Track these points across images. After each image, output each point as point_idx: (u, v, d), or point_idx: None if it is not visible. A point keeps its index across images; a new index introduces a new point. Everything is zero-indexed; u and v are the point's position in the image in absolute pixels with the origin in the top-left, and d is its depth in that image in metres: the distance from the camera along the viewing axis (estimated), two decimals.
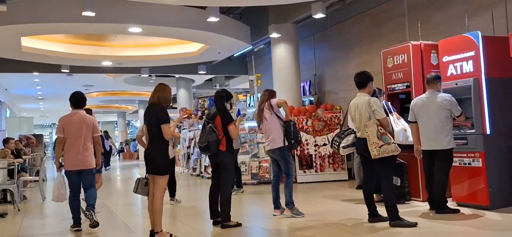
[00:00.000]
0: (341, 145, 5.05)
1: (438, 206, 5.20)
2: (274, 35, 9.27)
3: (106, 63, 11.87)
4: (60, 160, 5.32)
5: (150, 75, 16.31)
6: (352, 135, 5.03)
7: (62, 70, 12.01)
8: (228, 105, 5.29)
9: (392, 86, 6.32)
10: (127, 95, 22.56)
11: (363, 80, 4.90)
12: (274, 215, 5.62)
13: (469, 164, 5.32)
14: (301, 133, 9.10)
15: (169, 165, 4.76)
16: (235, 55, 12.65)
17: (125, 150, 28.91)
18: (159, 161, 4.62)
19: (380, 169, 4.72)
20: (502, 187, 5.25)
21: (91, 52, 10.97)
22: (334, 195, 7.18)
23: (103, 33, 8.71)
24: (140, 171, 15.21)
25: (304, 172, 8.95)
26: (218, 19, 7.88)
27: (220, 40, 9.58)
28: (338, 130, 5.40)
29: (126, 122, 36.65)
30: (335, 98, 10.00)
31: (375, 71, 8.75)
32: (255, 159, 9.22)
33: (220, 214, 5.16)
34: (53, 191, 5.43)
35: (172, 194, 7.22)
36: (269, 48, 12.64)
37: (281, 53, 9.65)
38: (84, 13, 6.82)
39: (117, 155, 29.58)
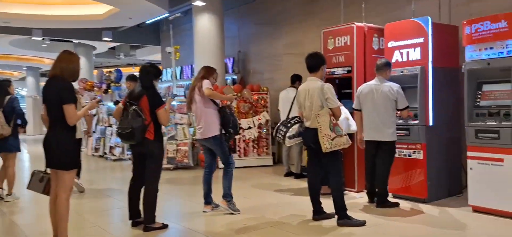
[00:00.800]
0: (287, 135, 4.48)
1: (379, 199, 4.95)
2: (198, 3, 8.33)
3: None
4: None
5: (43, 39, 14.10)
6: (298, 124, 4.48)
7: None
8: (156, 84, 4.36)
9: (332, 70, 5.90)
10: (13, 59, 19.52)
11: (315, 62, 4.34)
12: (205, 211, 4.89)
13: (409, 155, 5.14)
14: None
15: (76, 157, 3.74)
16: (147, 22, 11.35)
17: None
18: (63, 152, 3.58)
19: (330, 163, 4.25)
20: (439, 180, 5.18)
21: None
22: (265, 183, 6.66)
23: None
24: (27, 150, 13.18)
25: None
26: None
27: (133, 3, 8.34)
28: (284, 120, 4.76)
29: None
30: (260, 78, 9.44)
31: (307, 52, 8.35)
32: (172, 141, 8.30)
33: (144, 214, 4.28)
34: None
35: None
36: (187, 18, 11.61)
37: (204, 24, 8.75)
38: None
39: None
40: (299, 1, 8.47)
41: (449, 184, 5.31)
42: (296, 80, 7.09)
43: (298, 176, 6.96)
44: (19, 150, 5.82)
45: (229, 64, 9.99)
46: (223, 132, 4.76)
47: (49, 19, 10.00)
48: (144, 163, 4.24)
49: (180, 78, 11.81)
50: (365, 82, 5.55)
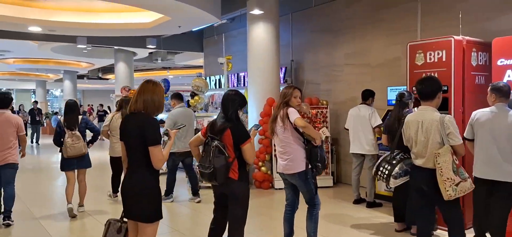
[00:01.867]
0: (393, 174, 3.81)
1: None
2: (256, 11, 7.73)
3: (34, 29, 9.46)
4: None
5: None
6: (403, 161, 3.81)
7: None
8: (241, 115, 3.78)
9: None
10: (52, 63, 19.53)
11: (430, 89, 3.64)
12: None
13: None
14: None
15: (160, 206, 3.21)
16: (193, 29, 10.85)
17: (45, 124, 25.49)
18: (147, 201, 3.07)
19: (452, 214, 3.55)
20: None
21: (14, 14, 8.56)
22: (335, 215, 6.00)
23: None
24: None
25: None
26: None
27: (186, 11, 7.82)
28: (386, 154, 4.08)
29: (47, 91, 32.68)
30: (316, 89, 8.78)
31: (371, 64, 7.68)
32: None
33: None
34: None
35: (115, 190, 6.64)
36: (234, 24, 11.08)
37: (259, 33, 8.15)
38: None
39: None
40: (364, 7, 7.77)
41: None
42: (369, 96, 6.40)
43: (370, 205, 6.28)
44: (91, 165, 6.09)
45: (281, 74, 9.37)
46: (310, 166, 4.14)
47: (94, 27, 9.64)
48: (226, 204, 3.67)
49: (221, 86, 11.27)
50: (462, 104, 4.86)
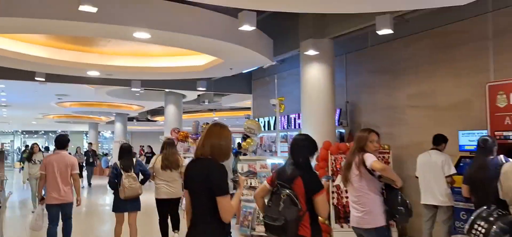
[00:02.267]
0: (491, 233, 3.30)
1: None
2: (311, 52, 7.53)
3: (93, 73, 9.77)
4: (42, 194, 5.99)
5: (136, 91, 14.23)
6: (504, 218, 3.30)
7: (36, 79, 9.79)
8: (312, 161, 3.46)
9: (507, 133, 4.67)
10: (105, 107, 20.25)
11: None
12: None
13: None
14: (340, 177, 7.37)
15: None
16: (243, 71, 10.81)
17: (95, 164, 26.25)
18: None
19: None
20: None
21: (74, 59, 8.88)
22: None
23: (100, 36, 6.74)
24: None
25: (341, 226, 7.19)
26: (253, 28, 6.06)
27: (240, 54, 7.75)
28: (481, 209, 3.59)
29: (99, 133, 33.93)
30: None
31: (439, 106, 7.19)
32: None
33: None
34: (31, 221, 6.15)
35: (176, 226, 6.62)
36: (284, 66, 10.95)
37: (314, 74, 7.90)
38: (81, 8, 4.83)
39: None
40: (425, 47, 7.36)
41: None
42: (441, 141, 5.89)
43: None
44: (140, 208, 6.12)
45: (336, 117, 9.01)
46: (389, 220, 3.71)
47: (148, 71, 9.81)
48: None
49: (272, 128, 11.02)
50: None
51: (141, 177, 6.07)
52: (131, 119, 27.34)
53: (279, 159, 7.52)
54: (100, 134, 39.14)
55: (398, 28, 7.38)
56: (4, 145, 34.34)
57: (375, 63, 8.40)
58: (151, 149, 22.31)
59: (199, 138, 2.96)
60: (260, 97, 12.33)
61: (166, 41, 7.01)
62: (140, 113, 25.46)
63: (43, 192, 6.02)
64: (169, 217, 6.57)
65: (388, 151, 7.48)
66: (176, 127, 12.58)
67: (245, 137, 7.95)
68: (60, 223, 5.95)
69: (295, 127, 10.12)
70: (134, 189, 5.73)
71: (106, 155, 26.26)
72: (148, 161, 18.38)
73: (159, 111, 26.50)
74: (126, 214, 5.99)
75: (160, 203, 6.40)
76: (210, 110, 24.78)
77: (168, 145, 6.44)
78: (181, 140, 11.41)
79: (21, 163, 16.07)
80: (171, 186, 6.30)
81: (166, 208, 6.43)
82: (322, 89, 7.88)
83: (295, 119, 10.24)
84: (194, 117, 25.40)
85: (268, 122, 11.29)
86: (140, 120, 30.08)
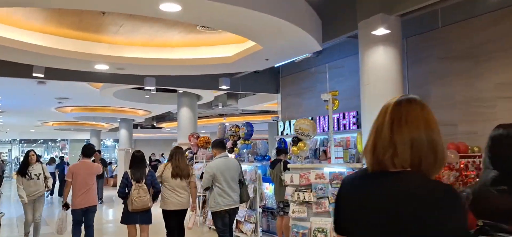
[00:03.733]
0: None
1: None
2: (380, 31, 6.01)
3: (101, 67, 8.21)
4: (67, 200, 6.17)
5: (150, 90, 12.69)
6: None
7: (34, 75, 8.20)
8: None
9: None
10: (109, 111, 18.71)
11: None
12: None
13: None
14: None
15: None
16: (279, 64, 9.30)
17: (106, 175, 24.57)
18: None
19: None
20: None
21: (79, 49, 7.34)
22: None
23: (115, 10, 5.21)
24: None
25: None
26: None
27: (286, 36, 6.23)
28: None
29: (101, 141, 32.37)
30: (450, 132, 6.78)
31: None
32: None
33: None
34: (57, 223, 6.30)
35: None
36: (320, 59, 9.48)
37: (379, 60, 6.38)
38: None
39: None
40: None
41: None
42: None
43: None
44: (152, 221, 5.85)
45: None
46: None
47: (166, 64, 8.26)
48: None
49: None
50: None
51: (152, 190, 5.77)
52: (135, 126, 25.80)
53: (340, 167, 5.96)
54: (102, 141, 37.58)
55: (468, 6, 5.87)
56: (2, 154, 32.75)
57: (449, 47, 6.88)
58: (155, 156, 20.68)
59: (376, 128, 1.42)
60: (290, 96, 10.80)
61: (199, 16, 5.47)
62: (146, 119, 23.91)
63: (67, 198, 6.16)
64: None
65: (479, 154, 5.94)
66: (194, 132, 11.03)
67: (295, 141, 6.42)
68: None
69: (339, 128, 8.60)
70: (143, 202, 5.48)
71: (110, 164, 24.66)
72: (154, 170, 16.70)
73: (165, 118, 25.02)
74: (138, 226, 5.74)
75: (169, 214, 6.00)
76: (221, 115, 23.25)
77: (178, 152, 6.12)
78: (202, 146, 9.89)
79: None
80: (180, 196, 5.92)
81: (175, 220, 6.07)
82: (390, 78, 6.35)
83: (338, 119, 8.72)
84: (203, 123, 23.89)
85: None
86: (145, 127, 28.57)
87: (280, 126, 10.39)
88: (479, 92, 6.40)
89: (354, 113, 8.46)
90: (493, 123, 5.83)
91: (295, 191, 6.02)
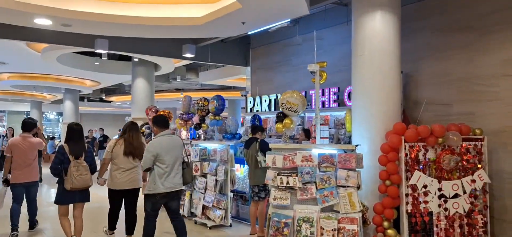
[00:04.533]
0: None
1: None
2: None
3: (42, 22, 6.78)
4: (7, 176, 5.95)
5: (100, 56, 11.26)
6: None
7: None
8: None
9: None
10: (52, 80, 16.82)
11: None
12: None
13: None
14: (419, 174, 5.16)
15: None
16: (257, 30, 8.28)
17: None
18: None
19: None
20: None
21: None
22: None
23: None
24: None
25: None
26: None
27: None
28: None
29: (43, 114, 29.80)
30: (444, 113, 6.19)
31: None
32: (329, 214, 4.98)
33: None
34: None
35: (131, 231, 5.68)
36: (296, 29, 8.63)
37: (376, 28, 5.61)
38: None
39: None
40: None
41: None
42: None
43: None
44: (90, 199, 5.41)
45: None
46: None
47: (123, 22, 6.99)
48: None
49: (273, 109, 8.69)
50: None
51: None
52: (81, 99, 23.80)
53: (331, 148, 5.15)
54: (44, 114, 34.78)
55: None
56: None
57: (447, 18, 6.23)
58: (103, 131, 18.94)
59: None
60: (262, 69, 9.87)
61: None
62: (94, 91, 22.04)
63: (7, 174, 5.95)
64: (125, 214, 5.69)
65: (481, 137, 5.36)
66: (152, 105, 9.83)
67: (280, 117, 5.52)
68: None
69: (322, 105, 7.81)
70: (84, 180, 5.10)
71: (52, 138, 22.62)
72: (101, 147, 15.27)
73: (115, 91, 23.22)
74: (70, 205, 5.32)
75: (116, 193, 5.55)
76: (178, 90, 21.89)
77: (131, 128, 5.62)
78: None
79: None
80: (131, 175, 5.48)
81: (121, 200, 5.65)
82: (387, 50, 5.60)
83: (311, 96, 7.93)
84: (158, 98, 22.40)
85: (275, 99, 8.90)
86: (93, 100, 26.57)
87: (250, 102, 9.47)
88: (480, 68, 5.80)
89: (334, 89, 7.71)
90: (494, 103, 5.15)
91: (278, 174, 5.18)
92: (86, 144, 5.36)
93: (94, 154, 14.49)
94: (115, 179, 5.46)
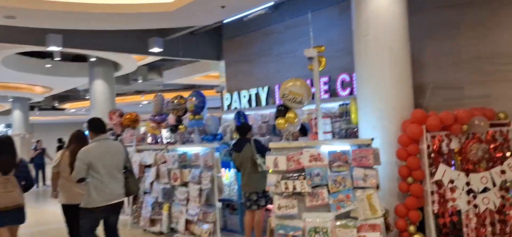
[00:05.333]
0: None
1: None
2: None
3: None
4: None
5: (51, 56, 9.94)
6: None
7: None
8: None
9: None
10: None
11: None
12: None
13: None
14: (445, 168, 4.48)
15: None
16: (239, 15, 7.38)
17: None
18: None
19: None
20: None
21: None
22: None
23: None
24: None
25: None
26: None
27: None
28: None
29: None
30: (454, 96, 5.57)
31: None
32: (346, 222, 4.18)
33: None
34: None
35: None
36: (275, 15, 7.86)
37: (381, 5, 4.89)
38: None
39: None
40: None
41: None
42: None
43: None
44: (25, 220, 4.92)
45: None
46: None
47: (79, 10, 5.87)
48: None
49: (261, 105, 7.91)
50: None
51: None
52: (32, 108, 21.91)
53: (343, 144, 4.37)
54: None
55: None
56: None
57: None
58: (60, 141, 17.29)
59: None
60: (238, 62, 8.97)
61: None
62: (46, 98, 20.25)
63: None
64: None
65: (507, 121, 4.76)
66: (116, 109, 8.70)
67: (281, 110, 4.65)
68: None
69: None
70: (12, 198, 4.69)
71: None
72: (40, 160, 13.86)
73: (68, 97, 21.55)
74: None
75: (68, 209, 5.15)
76: (138, 92, 20.51)
77: (77, 138, 5.22)
78: (128, 125, 7.71)
79: None
80: (80, 188, 4.90)
81: (77, 216, 4.98)
82: (398, 27, 4.91)
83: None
84: (117, 101, 20.90)
85: (256, 94, 8.08)
86: (45, 108, 24.60)
87: (227, 99, 8.57)
88: (495, 46, 5.23)
89: (325, 79, 6.98)
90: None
91: (281, 179, 4.35)
92: (21, 158, 4.98)
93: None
94: (66, 193, 5.13)
